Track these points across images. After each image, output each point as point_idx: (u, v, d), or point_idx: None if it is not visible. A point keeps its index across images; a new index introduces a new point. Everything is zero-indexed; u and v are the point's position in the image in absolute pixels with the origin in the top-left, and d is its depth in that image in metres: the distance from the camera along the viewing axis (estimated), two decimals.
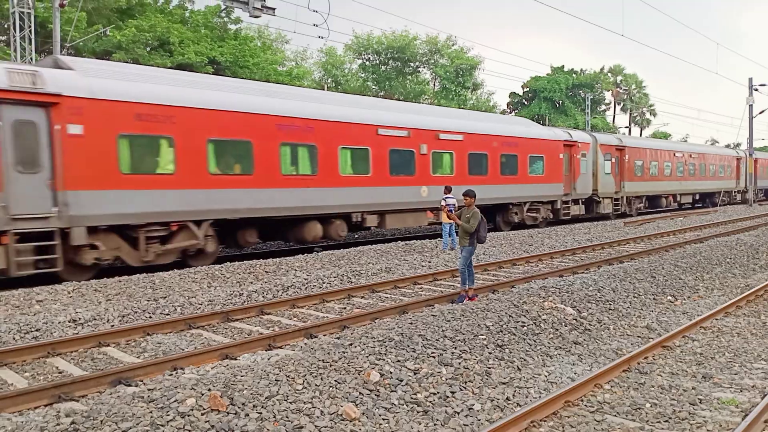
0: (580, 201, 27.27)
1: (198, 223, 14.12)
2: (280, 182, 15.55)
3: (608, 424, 5.62)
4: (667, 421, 5.70)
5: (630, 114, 72.65)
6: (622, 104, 72.46)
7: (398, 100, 48.70)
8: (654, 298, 10.99)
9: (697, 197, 40.66)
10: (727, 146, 51.73)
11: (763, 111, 43.24)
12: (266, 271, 13.39)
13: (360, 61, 54.65)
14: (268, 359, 7.19)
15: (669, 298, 11.21)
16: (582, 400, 6.19)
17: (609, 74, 70.84)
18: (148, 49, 31.05)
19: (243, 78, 29.08)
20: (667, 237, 20.76)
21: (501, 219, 23.25)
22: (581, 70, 67.62)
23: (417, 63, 54.95)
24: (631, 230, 23.06)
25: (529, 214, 24.11)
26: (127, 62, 26.44)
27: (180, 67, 27.53)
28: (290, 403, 5.65)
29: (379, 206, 18.13)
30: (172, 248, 13.80)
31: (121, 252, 13.07)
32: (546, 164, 24.72)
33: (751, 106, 40.43)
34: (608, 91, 70.06)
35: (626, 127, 68.39)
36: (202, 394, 5.51)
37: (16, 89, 11.34)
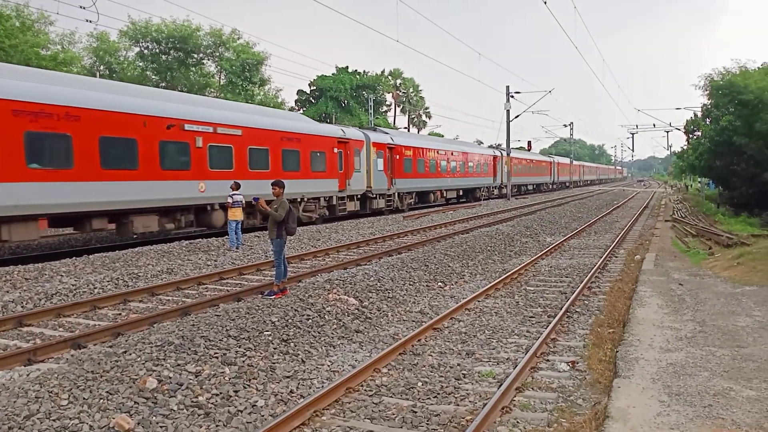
0: (355, 197, 27.71)
1: None
2: None
3: (385, 405, 6.00)
4: (436, 396, 6.26)
5: (408, 115, 77.85)
6: (401, 106, 77.30)
7: (180, 92, 46.43)
8: (427, 285, 11.96)
9: (461, 193, 44.08)
10: (490, 146, 57.44)
11: (518, 115, 49.19)
12: (26, 278, 11.91)
13: (138, 49, 50.98)
14: (27, 375, 6.44)
15: (439, 284, 12.29)
16: (362, 386, 6.52)
17: (389, 77, 75.07)
18: None
19: None
20: (439, 229, 22.65)
21: None
22: (364, 71, 70.71)
23: (201, 55, 52.84)
24: (409, 223, 24.75)
25: (305, 213, 23.50)
26: None
27: None
28: (53, 420, 5.15)
29: None
30: None
31: None
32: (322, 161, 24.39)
33: (508, 111, 45.75)
34: (389, 93, 74.27)
35: (405, 127, 73.12)
36: None
37: None
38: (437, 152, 37.55)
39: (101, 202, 15.18)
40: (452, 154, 40.06)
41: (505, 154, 47.59)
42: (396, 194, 31.83)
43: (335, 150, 25.56)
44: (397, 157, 31.66)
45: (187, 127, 17.54)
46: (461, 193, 43.77)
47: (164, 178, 16.86)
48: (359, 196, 28.28)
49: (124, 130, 15.70)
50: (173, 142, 17.25)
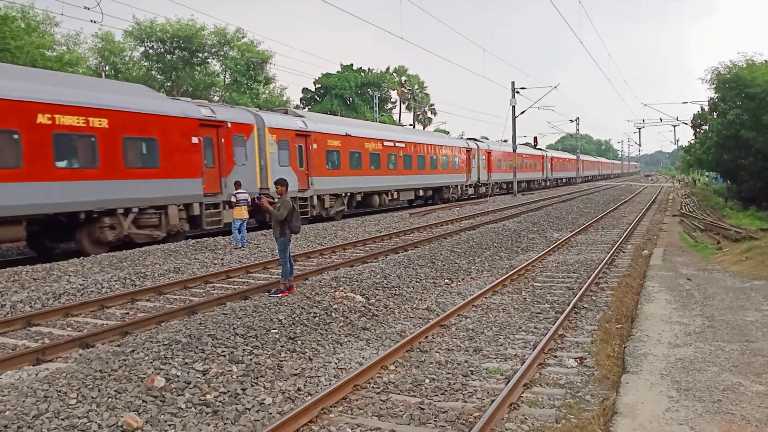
0: None
1: None
2: None
3: (392, 402, 5.99)
4: (443, 393, 6.24)
5: (414, 112, 77.72)
6: (407, 103, 77.17)
7: (186, 91, 46.58)
8: (433, 282, 11.94)
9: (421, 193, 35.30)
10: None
11: (524, 111, 49.06)
12: (34, 278, 11.98)
13: (143, 49, 51.13)
14: (36, 375, 6.48)
15: (446, 280, 12.27)
16: (369, 383, 6.51)
17: (394, 74, 74.96)
18: None
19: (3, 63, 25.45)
20: (445, 226, 22.61)
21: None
22: (369, 69, 70.65)
23: (206, 54, 52.92)
24: (415, 220, 24.72)
25: None
26: None
27: None
28: (62, 420, 5.17)
29: None
30: None
31: None
32: None
33: (513, 107, 45.54)
34: (394, 90, 74.17)
35: (410, 124, 72.95)
36: None
37: None
38: (379, 143, 29.15)
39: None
40: (403, 145, 31.45)
41: (482, 146, 44.03)
42: (314, 197, 23.93)
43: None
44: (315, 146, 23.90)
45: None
46: (421, 194, 35.13)
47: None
48: None
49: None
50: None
